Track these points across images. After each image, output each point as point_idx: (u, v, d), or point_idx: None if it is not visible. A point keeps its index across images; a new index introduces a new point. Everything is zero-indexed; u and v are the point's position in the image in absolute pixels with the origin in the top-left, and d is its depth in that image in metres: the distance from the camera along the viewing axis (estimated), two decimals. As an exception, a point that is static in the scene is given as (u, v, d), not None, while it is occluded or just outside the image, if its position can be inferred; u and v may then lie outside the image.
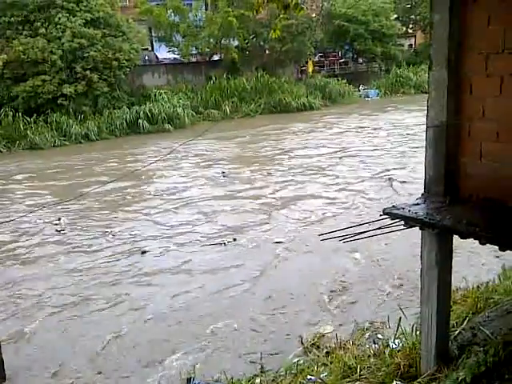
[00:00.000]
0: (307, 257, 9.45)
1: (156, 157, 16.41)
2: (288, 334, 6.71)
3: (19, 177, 18.11)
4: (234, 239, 10.55)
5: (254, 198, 13.88)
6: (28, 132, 23.90)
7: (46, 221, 12.58)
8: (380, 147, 20.14)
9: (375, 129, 24.98)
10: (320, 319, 7.09)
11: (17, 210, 13.73)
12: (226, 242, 10.42)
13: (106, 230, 11.68)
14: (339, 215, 11.78)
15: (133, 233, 11.48)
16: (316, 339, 6.33)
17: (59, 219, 12.57)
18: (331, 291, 7.97)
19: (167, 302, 8.04)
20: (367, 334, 6.28)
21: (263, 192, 14.53)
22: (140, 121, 26.44)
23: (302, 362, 5.62)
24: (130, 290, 8.54)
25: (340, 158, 18.61)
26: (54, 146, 23.99)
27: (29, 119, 24.36)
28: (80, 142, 24.68)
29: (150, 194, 15.13)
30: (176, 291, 8.35)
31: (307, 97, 33.31)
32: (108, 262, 9.87)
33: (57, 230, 11.86)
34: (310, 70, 37.17)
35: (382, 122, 26.78)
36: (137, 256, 10.06)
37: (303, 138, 23.55)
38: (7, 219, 11.76)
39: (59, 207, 13.13)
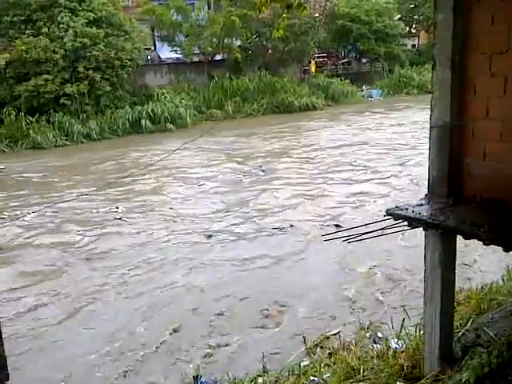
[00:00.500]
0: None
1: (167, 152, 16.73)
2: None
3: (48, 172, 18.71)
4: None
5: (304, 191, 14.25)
6: (30, 131, 23.91)
7: (103, 210, 13.19)
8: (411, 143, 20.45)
9: (399, 125, 25.37)
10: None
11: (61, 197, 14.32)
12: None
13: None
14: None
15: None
16: (319, 340, 6.32)
17: (117, 207, 13.26)
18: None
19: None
20: (368, 334, 6.26)
21: (311, 185, 14.89)
22: (143, 121, 26.44)
23: (305, 362, 5.61)
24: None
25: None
26: (55, 145, 23.94)
27: (31, 118, 24.39)
28: (82, 142, 24.63)
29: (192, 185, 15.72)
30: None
31: (310, 97, 33.26)
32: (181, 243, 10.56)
33: (115, 218, 12.36)
34: (313, 69, 37.19)
35: (404, 120, 26.97)
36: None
37: (325, 134, 24.13)
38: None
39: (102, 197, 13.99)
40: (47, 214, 12.68)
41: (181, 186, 15.69)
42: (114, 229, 11.80)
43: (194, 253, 10.05)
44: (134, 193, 14.85)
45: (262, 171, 16.84)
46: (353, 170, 16.60)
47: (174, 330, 7.15)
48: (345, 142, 21.76)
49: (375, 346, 5.48)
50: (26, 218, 12.34)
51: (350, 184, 14.92)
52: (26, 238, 11.34)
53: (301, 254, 9.80)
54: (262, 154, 19.87)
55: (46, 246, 10.88)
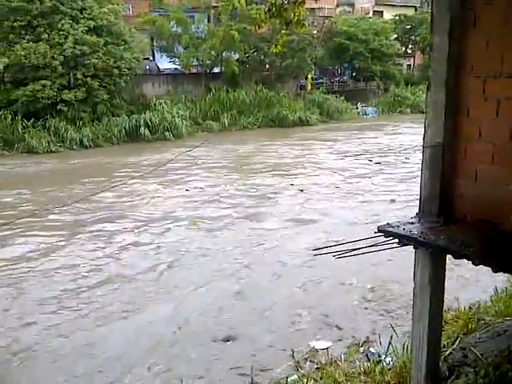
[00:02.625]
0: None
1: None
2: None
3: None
4: None
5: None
6: (26, 136, 23.92)
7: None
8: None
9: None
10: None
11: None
12: None
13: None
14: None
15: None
16: (308, 355, 6.31)
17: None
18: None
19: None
20: (362, 349, 6.27)
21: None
22: (141, 129, 26.57)
23: (292, 377, 5.59)
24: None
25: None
26: (47, 151, 23.92)
27: (27, 123, 24.37)
28: (72, 149, 24.63)
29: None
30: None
31: (305, 112, 33.52)
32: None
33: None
34: (309, 86, 37.50)
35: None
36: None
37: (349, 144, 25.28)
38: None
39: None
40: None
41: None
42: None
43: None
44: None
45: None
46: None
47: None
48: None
49: (364, 362, 5.48)
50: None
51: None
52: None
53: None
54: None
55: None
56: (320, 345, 6.64)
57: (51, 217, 13.12)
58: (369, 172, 18.81)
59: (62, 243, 11.51)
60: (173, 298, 8.58)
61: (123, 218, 13.41)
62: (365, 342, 6.55)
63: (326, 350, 6.26)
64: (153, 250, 11.00)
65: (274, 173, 18.93)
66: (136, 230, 12.38)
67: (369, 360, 5.61)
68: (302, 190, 16.06)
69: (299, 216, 13.29)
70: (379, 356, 5.53)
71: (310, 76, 38.23)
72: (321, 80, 40.58)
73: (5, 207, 14.44)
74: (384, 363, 5.09)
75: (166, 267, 10.00)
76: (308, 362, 6.07)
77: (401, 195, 14.83)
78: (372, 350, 6.07)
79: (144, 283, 9.26)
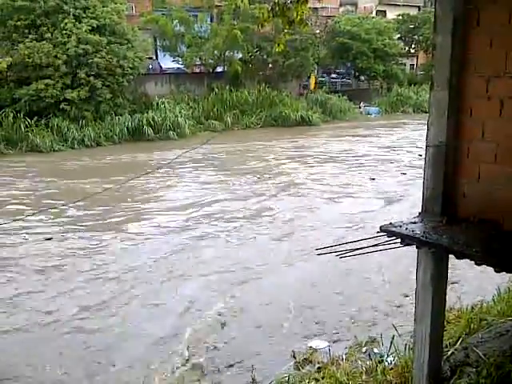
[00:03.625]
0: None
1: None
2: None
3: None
4: None
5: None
6: (30, 134, 23.98)
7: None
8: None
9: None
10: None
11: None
12: None
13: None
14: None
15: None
16: (309, 354, 6.30)
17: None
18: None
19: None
20: (364, 349, 6.26)
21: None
22: (145, 127, 26.58)
23: (293, 376, 5.59)
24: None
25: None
26: (51, 150, 24.00)
27: (30, 121, 24.42)
28: (74, 148, 24.68)
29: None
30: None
31: (307, 111, 33.48)
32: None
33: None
34: (312, 86, 37.48)
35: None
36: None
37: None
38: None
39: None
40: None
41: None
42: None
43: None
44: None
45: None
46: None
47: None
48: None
49: (366, 361, 5.48)
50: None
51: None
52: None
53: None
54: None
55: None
56: (318, 344, 6.64)
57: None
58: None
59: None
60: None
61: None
62: (367, 341, 6.55)
63: (327, 349, 6.26)
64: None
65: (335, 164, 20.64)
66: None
67: (371, 360, 5.60)
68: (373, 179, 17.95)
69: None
70: (381, 356, 5.53)
71: (313, 75, 38.21)
72: (322, 79, 40.57)
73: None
74: (386, 363, 5.09)
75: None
76: (309, 362, 6.06)
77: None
78: (375, 350, 6.06)
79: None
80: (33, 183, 17.86)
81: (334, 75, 42.39)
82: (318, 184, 17.26)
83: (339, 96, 37.25)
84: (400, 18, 45.43)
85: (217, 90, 32.14)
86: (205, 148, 20.86)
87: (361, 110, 38.66)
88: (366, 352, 6.05)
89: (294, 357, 6.33)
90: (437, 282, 4.05)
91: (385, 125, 32.94)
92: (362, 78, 42.64)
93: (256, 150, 24.03)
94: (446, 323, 4.93)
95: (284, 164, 20.85)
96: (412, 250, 3.91)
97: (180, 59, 33.50)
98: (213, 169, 20.01)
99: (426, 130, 3.99)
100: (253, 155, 22.74)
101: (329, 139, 27.65)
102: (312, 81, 37.92)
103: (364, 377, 4.84)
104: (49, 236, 11.86)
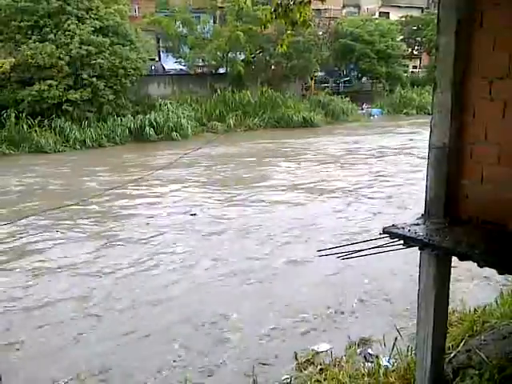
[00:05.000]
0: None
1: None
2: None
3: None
4: None
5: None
6: (33, 135, 24.06)
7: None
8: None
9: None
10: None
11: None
12: None
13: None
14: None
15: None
16: (311, 356, 6.29)
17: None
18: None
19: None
20: (359, 350, 6.24)
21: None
22: (146, 128, 26.63)
23: (295, 378, 5.59)
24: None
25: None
26: (55, 151, 24.09)
27: (33, 122, 24.48)
28: (75, 148, 24.73)
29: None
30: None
31: (310, 112, 33.49)
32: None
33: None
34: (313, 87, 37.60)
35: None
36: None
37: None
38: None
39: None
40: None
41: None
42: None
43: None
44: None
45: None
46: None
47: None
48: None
49: (366, 363, 5.47)
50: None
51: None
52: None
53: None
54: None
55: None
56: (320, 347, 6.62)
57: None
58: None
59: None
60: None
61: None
62: (361, 342, 6.54)
63: (329, 352, 6.24)
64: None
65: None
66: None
67: (367, 361, 5.60)
68: None
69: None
70: (377, 357, 5.51)
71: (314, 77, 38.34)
72: (325, 79, 40.62)
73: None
74: (388, 365, 5.07)
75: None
76: (311, 364, 6.04)
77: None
78: (370, 351, 6.05)
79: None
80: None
81: (336, 77, 42.39)
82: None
83: (342, 97, 37.25)
84: (403, 19, 45.38)
85: (219, 91, 32.19)
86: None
87: (363, 111, 38.65)
88: (360, 354, 6.03)
89: (296, 358, 6.32)
90: (439, 283, 4.04)
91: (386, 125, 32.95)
92: (365, 79, 42.62)
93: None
94: (448, 325, 4.92)
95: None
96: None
97: (183, 60, 33.58)
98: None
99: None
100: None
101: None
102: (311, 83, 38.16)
103: (366, 379, 4.83)
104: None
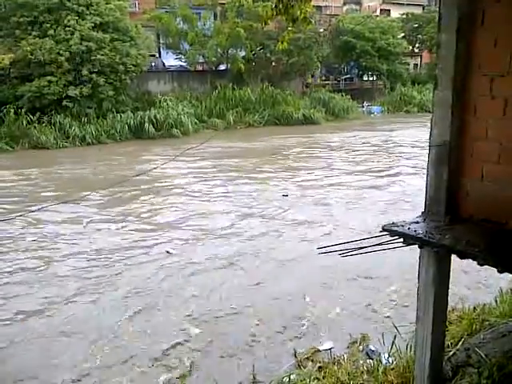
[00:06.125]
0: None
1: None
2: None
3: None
4: None
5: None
6: (34, 131, 24.02)
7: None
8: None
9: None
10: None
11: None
12: None
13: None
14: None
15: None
16: (310, 353, 6.29)
17: None
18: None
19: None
20: (360, 347, 6.24)
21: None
22: (146, 125, 26.58)
23: (294, 375, 5.58)
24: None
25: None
26: (56, 147, 24.07)
27: (32, 118, 24.44)
28: (75, 145, 24.70)
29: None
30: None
31: (310, 110, 33.46)
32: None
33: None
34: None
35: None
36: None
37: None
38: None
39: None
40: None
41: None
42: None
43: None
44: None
45: None
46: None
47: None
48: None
49: (367, 360, 5.47)
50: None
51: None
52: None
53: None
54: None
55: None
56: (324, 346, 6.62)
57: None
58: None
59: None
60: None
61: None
62: (362, 339, 6.53)
63: (328, 349, 6.24)
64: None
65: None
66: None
67: (370, 358, 5.59)
68: None
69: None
70: (379, 354, 5.51)
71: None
72: (325, 77, 40.58)
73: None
74: (387, 362, 5.07)
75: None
76: (310, 362, 6.04)
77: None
78: (371, 347, 6.05)
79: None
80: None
81: (337, 74, 42.39)
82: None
83: (342, 95, 37.21)
84: (404, 16, 45.34)
85: (219, 88, 32.15)
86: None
87: (364, 109, 38.61)
88: (362, 351, 6.03)
89: (296, 356, 6.32)
90: (439, 281, 4.03)
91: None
92: (366, 77, 42.56)
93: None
94: (447, 324, 4.92)
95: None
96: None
97: (183, 57, 33.51)
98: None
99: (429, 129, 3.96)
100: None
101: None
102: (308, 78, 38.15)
103: (365, 376, 4.82)
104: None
